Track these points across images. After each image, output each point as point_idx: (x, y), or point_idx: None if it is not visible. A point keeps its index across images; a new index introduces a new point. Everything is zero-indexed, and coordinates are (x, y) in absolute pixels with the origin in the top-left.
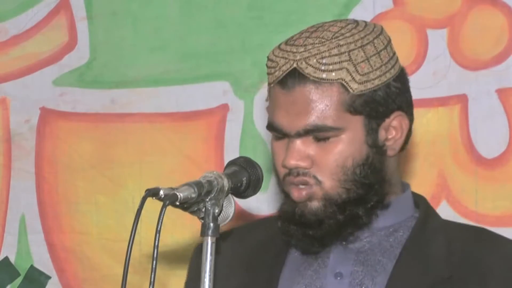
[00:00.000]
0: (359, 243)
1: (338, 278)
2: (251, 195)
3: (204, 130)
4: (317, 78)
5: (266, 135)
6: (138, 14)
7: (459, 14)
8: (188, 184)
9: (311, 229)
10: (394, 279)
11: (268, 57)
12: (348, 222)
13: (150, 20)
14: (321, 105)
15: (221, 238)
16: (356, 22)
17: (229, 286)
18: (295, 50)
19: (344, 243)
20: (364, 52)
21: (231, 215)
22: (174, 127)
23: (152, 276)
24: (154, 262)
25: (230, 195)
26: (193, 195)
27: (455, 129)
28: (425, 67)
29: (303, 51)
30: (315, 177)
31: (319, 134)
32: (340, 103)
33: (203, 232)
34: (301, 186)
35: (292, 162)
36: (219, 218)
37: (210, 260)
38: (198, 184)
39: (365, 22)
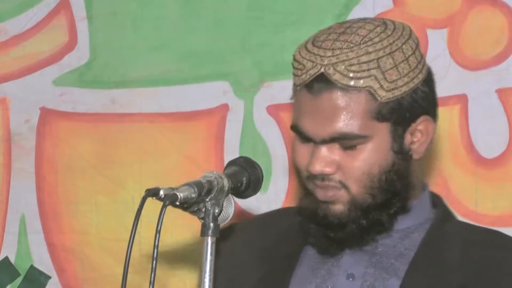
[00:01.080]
0: (373, 245)
1: (350, 279)
2: (251, 195)
3: (204, 130)
4: (345, 85)
5: (266, 135)
6: (138, 14)
7: (459, 14)
8: (188, 184)
9: (332, 231)
10: (406, 283)
11: (294, 56)
12: (371, 227)
13: (150, 20)
14: (348, 113)
15: (243, 227)
16: (384, 24)
17: (249, 278)
18: (322, 54)
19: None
20: (393, 59)
21: (231, 215)
22: (174, 127)
23: (152, 276)
24: (154, 262)
25: (230, 195)
26: (193, 195)
27: (455, 129)
28: None
29: (331, 56)
30: (341, 182)
31: (345, 142)
32: (367, 110)
33: (203, 232)
34: (327, 189)
35: (318, 168)
36: (219, 218)
37: (210, 260)
38: (198, 184)
39: (393, 23)
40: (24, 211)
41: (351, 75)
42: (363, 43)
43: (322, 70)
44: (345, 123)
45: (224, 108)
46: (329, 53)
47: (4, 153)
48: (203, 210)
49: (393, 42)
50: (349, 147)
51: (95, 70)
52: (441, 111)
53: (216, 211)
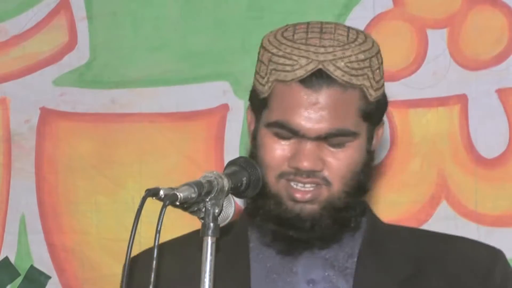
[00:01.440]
0: (324, 249)
1: (311, 285)
2: (251, 195)
3: (204, 130)
4: (345, 82)
5: None
6: (138, 14)
7: (459, 14)
8: (188, 184)
9: (300, 231)
10: (358, 283)
11: (274, 53)
12: (339, 227)
13: (150, 20)
14: (345, 110)
15: (169, 248)
16: (350, 28)
17: None
18: (314, 50)
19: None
20: (377, 60)
21: (231, 215)
22: (174, 127)
23: (152, 276)
24: (154, 262)
25: (230, 195)
26: (193, 195)
27: (455, 129)
28: (425, 67)
29: (325, 53)
30: (325, 179)
31: (338, 138)
32: (359, 109)
33: (203, 232)
34: (307, 187)
35: (307, 165)
36: (219, 218)
37: (210, 260)
38: (198, 184)
39: (355, 28)
40: (24, 211)
41: (351, 72)
42: (352, 42)
43: (321, 66)
44: (342, 120)
45: (224, 108)
46: (321, 50)
47: (4, 153)
48: (203, 210)
49: (374, 44)
50: (337, 144)
51: (95, 70)
52: (441, 111)
53: (216, 211)
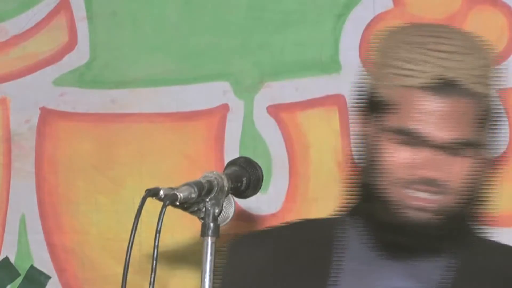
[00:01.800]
0: (411, 257)
1: None
2: (251, 195)
3: (204, 130)
4: (466, 89)
5: (266, 135)
6: (138, 14)
7: (459, 14)
8: (188, 184)
9: (410, 238)
10: None
11: (387, 54)
12: (446, 238)
13: (150, 20)
14: (466, 118)
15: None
16: (461, 31)
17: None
18: (436, 56)
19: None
20: (491, 66)
21: (231, 215)
22: (174, 127)
23: (152, 276)
24: (154, 262)
25: (230, 195)
26: (193, 195)
27: None
28: None
29: (446, 59)
30: (443, 188)
31: (460, 148)
32: (478, 117)
33: (203, 232)
34: (425, 195)
35: (432, 174)
36: (219, 218)
37: (210, 260)
38: (198, 184)
39: (465, 30)
40: (24, 211)
41: (471, 80)
42: (471, 48)
43: (444, 73)
44: (464, 129)
45: (224, 108)
46: (443, 55)
47: (4, 153)
48: (203, 210)
49: (487, 49)
50: (458, 153)
51: (95, 70)
52: None
53: (216, 211)
